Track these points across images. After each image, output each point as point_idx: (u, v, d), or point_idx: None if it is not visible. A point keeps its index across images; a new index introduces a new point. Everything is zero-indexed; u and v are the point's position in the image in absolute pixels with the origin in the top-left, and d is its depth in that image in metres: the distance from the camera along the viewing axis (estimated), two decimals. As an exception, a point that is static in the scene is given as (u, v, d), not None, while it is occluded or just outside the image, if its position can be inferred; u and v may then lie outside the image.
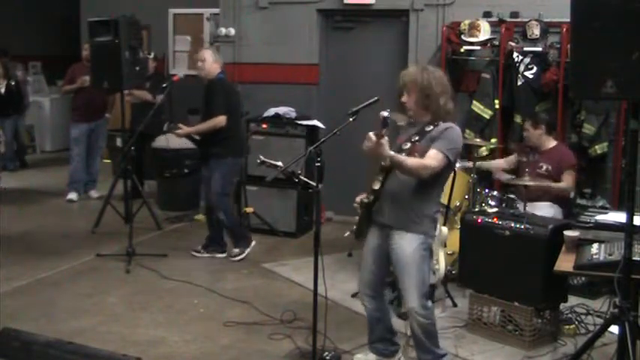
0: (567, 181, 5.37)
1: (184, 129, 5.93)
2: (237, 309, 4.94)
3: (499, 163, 5.85)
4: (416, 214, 3.66)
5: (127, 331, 4.52)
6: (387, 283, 4.67)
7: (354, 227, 3.84)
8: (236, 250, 6.05)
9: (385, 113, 3.31)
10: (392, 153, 3.45)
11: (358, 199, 3.78)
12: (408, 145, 3.63)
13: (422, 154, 3.58)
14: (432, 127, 3.65)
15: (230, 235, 6.12)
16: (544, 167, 5.40)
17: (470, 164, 5.48)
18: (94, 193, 8.22)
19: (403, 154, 3.57)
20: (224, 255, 6.11)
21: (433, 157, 3.55)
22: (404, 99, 3.69)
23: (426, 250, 3.70)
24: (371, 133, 3.39)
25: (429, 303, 3.76)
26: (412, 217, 3.65)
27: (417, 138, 3.64)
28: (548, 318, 4.39)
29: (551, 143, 5.51)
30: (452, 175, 5.09)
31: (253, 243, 6.13)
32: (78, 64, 8.14)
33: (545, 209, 5.20)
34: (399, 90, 3.73)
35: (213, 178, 5.87)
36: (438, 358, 3.82)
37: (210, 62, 5.82)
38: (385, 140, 3.36)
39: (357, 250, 6.00)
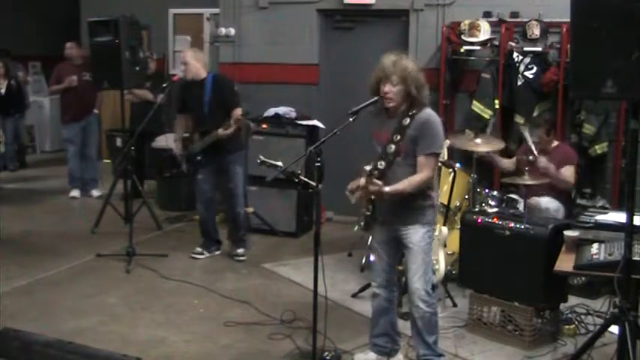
0: (566, 175, 5.35)
1: (222, 131, 5.70)
2: (237, 309, 4.94)
3: (506, 163, 5.80)
4: (416, 208, 3.72)
5: (127, 331, 4.52)
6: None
7: (362, 222, 3.86)
8: (241, 251, 6.04)
9: (368, 167, 3.46)
10: (390, 189, 3.54)
11: (350, 187, 3.79)
12: (393, 147, 3.65)
13: (408, 154, 3.64)
14: (408, 119, 3.65)
15: (240, 233, 6.08)
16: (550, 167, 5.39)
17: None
18: (95, 193, 8.21)
19: (390, 157, 3.65)
20: (220, 252, 6.13)
21: (427, 165, 3.64)
22: (387, 89, 3.63)
23: (431, 237, 3.81)
24: (362, 180, 3.52)
25: (433, 293, 3.83)
26: (414, 213, 3.73)
27: (398, 137, 3.65)
28: (548, 318, 4.39)
29: (554, 143, 5.52)
30: (452, 175, 5.11)
31: (252, 248, 6.15)
32: (63, 63, 8.13)
33: (548, 202, 5.20)
34: (378, 79, 3.67)
35: (235, 172, 5.89)
36: (434, 355, 3.83)
37: (198, 67, 5.80)
38: (375, 183, 3.49)
39: (357, 250, 6.01)
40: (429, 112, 3.69)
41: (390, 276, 3.97)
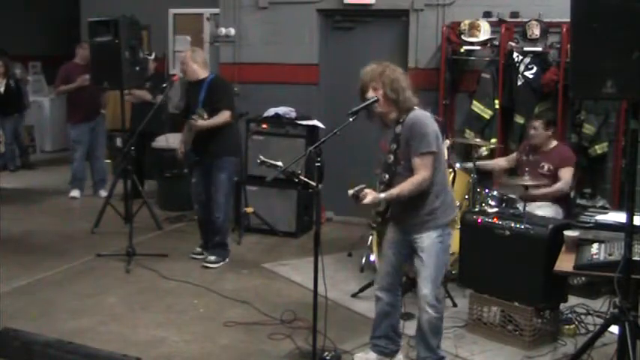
0: (564, 177, 5.32)
1: (201, 122, 5.67)
2: (237, 309, 4.94)
3: (500, 162, 5.85)
4: (427, 213, 3.71)
5: (127, 331, 4.52)
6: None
7: (375, 222, 3.90)
8: (213, 258, 5.88)
9: (351, 192, 3.53)
10: (384, 195, 3.55)
11: (352, 192, 3.75)
12: (392, 157, 3.66)
13: (406, 160, 3.65)
14: (400, 126, 3.68)
15: (216, 240, 5.94)
16: (545, 167, 5.39)
17: (470, 165, 5.48)
18: (103, 193, 8.06)
19: (392, 167, 3.67)
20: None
21: (422, 165, 3.61)
22: (369, 95, 3.68)
23: (443, 242, 3.76)
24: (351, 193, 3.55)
25: (442, 298, 3.85)
26: (424, 218, 3.71)
27: (395, 146, 3.68)
28: (548, 318, 4.39)
29: (553, 143, 5.51)
30: (452, 175, 5.10)
31: (227, 260, 5.98)
32: (70, 63, 8.13)
33: (545, 209, 5.20)
34: (361, 90, 3.72)
35: (218, 178, 5.79)
36: (435, 358, 3.84)
37: (194, 68, 5.75)
38: (367, 195, 3.52)
39: (357, 250, 6.01)
40: (415, 114, 3.68)
41: (394, 279, 3.96)
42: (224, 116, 5.69)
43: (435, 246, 3.71)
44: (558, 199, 5.37)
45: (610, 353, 3.70)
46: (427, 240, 3.71)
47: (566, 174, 5.35)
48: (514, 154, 5.78)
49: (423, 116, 3.68)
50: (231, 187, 5.98)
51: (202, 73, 5.80)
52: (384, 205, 3.71)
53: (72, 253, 6.09)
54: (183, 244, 6.40)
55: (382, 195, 3.54)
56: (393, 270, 3.93)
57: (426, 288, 3.72)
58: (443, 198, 3.76)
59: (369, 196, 3.51)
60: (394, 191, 3.58)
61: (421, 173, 3.60)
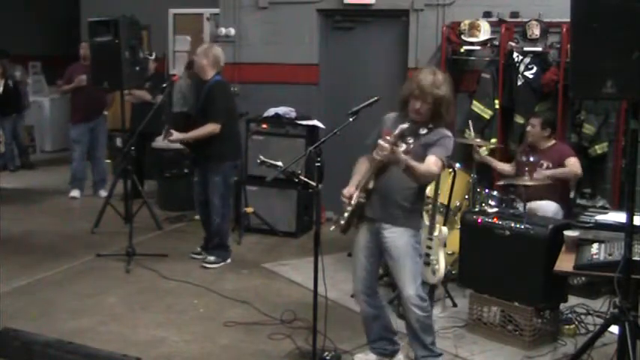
0: (572, 166, 5.35)
1: (177, 135, 5.70)
2: (237, 309, 4.94)
3: (505, 167, 5.83)
4: (406, 209, 3.73)
5: (127, 331, 4.52)
6: (387, 283, 4.72)
7: (342, 222, 3.85)
8: (212, 258, 5.86)
9: (405, 125, 3.40)
10: (407, 158, 3.47)
11: (347, 193, 3.81)
12: (404, 146, 3.62)
13: (414, 158, 3.60)
14: (426, 130, 3.65)
15: (215, 241, 5.93)
16: (545, 165, 5.40)
17: (478, 145, 5.51)
18: (103, 193, 8.06)
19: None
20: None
21: (435, 164, 3.65)
22: (418, 106, 3.65)
23: (417, 243, 3.80)
24: (382, 142, 3.41)
25: (426, 295, 3.83)
26: (402, 213, 3.73)
27: (411, 141, 3.64)
28: (548, 318, 4.39)
29: (551, 142, 5.52)
30: (452, 175, 5.11)
31: (229, 260, 5.96)
32: (76, 64, 8.14)
33: (546, 206, 5.20)
34: (411, 94, 3.67)
35: (212, 181, 5.75)
36: (433, 356, 3.84)
37: (203, 63, 5.68)
38: (398, 148, 3.43)
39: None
40: (447, 132, 3.74)
41: (371, 283, 3.95)
42: (205, 130, 5.59)
43: (408, 246, 3.73)
44: (560, 198, 5.36)
45: (610, 353, 3.70)
46: (401, 238, 3.72)
47: (572, 163, 5.35)
48: (513, 163, 5.77)
49: (451, 136, 3.77)
50: (228, 189, 5.92)
51: (210, 72, 5.70)
52: (374, 184, 3.68)
53: (72, 253, 6.09)
54: (183, 244, 6.40)
55: (406, 157, 3.47)
56: (367, 274, 3.92)
57: (409, 289, 3.72)
58: (421, 206, 3.87)
59: (400, 152, 3.44)
60: (412, 162, 3.53)
61: (433, 167, 3.64)
